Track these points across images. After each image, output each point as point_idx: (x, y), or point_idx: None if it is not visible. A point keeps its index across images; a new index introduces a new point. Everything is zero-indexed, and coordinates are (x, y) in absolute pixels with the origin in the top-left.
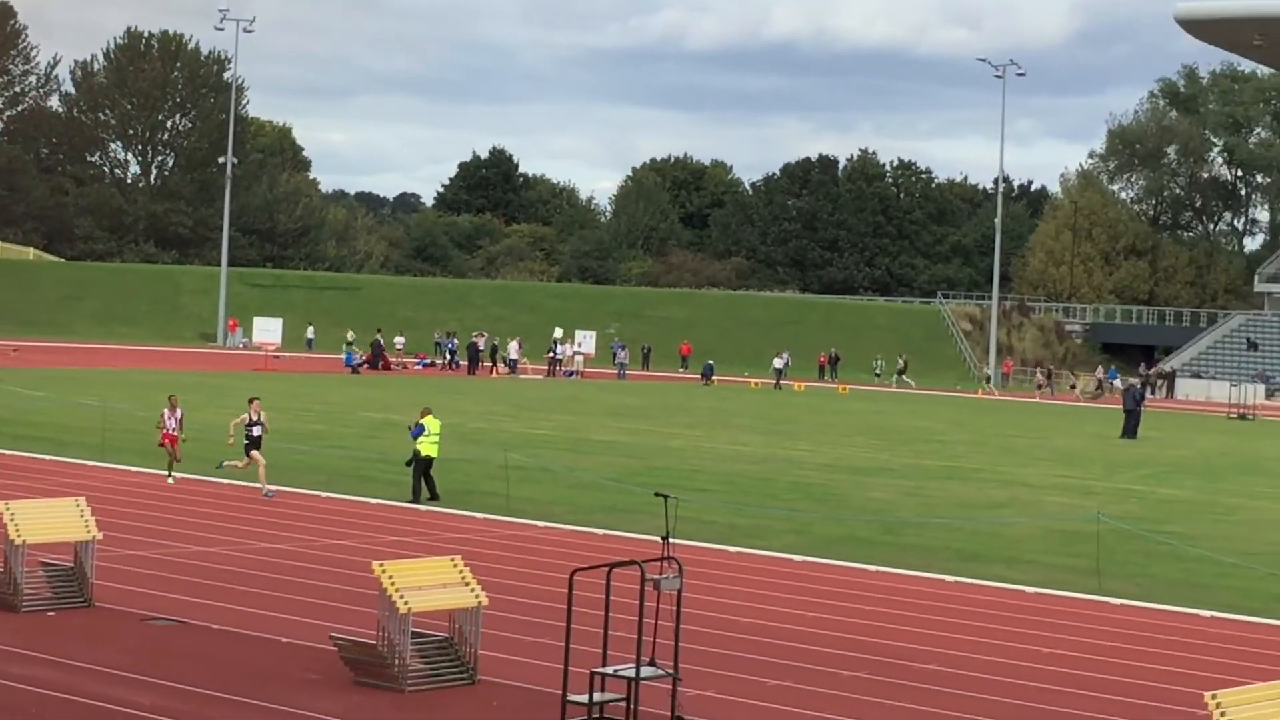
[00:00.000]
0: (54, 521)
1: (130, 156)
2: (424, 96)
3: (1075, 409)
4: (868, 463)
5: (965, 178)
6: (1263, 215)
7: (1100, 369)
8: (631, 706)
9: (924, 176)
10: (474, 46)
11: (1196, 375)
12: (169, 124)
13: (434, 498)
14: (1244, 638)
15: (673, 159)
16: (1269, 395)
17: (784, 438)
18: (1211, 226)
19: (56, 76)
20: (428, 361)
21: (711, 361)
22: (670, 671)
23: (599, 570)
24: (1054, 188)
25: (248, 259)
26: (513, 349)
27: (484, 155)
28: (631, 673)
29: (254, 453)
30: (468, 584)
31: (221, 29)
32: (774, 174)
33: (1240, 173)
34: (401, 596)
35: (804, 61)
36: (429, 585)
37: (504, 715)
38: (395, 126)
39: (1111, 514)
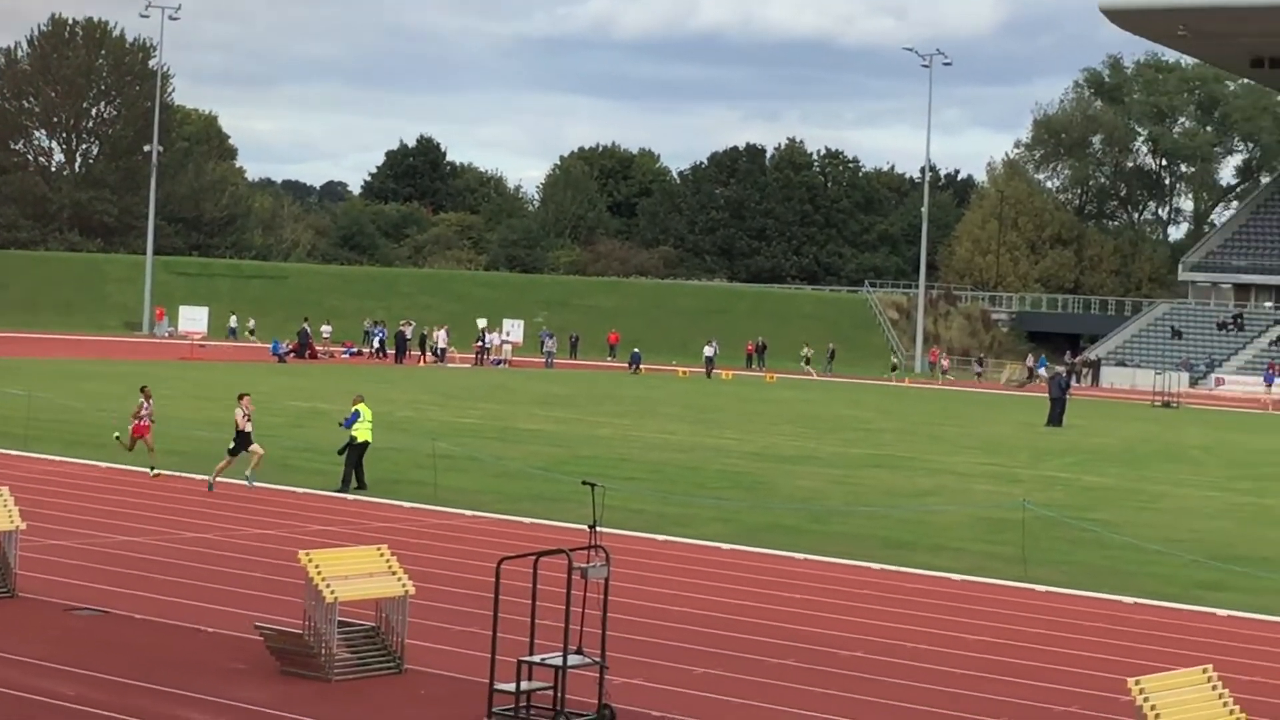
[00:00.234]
0: None
1: (54, 144)
2: (351, 85)
3: (1002, 397)
4: (795, 451)
5: (892, 167)
6: (1187, 204)
7: (1030, 357)
8: (559, 695)
9: (851, 166)
10: (402, 34)
11: (1121, 363)
12: (94, 112)
13: (361, 486)
14: (1167, 624)
15: (600, 148)
16: (1193, 383)
17: (711, 426)
18: (1136, 216)
19: None
20: (355, 350)
21: (637, 350)
22: (597, 660)
23: (526, 559)
24: (980, 177)
25: (173, 247)
26: (440, 338)
27: (411, 144)
28: (559, 661)
29: (253, 446)
30: (394, 573)
31: (147, 16)
32: (701, 163)
33: (1164, 162)
34: (328, 586)
35: (731, 51)
36: (355, 575)
37: (431, 704)
38: (322, 114)
39: (1037, 501)
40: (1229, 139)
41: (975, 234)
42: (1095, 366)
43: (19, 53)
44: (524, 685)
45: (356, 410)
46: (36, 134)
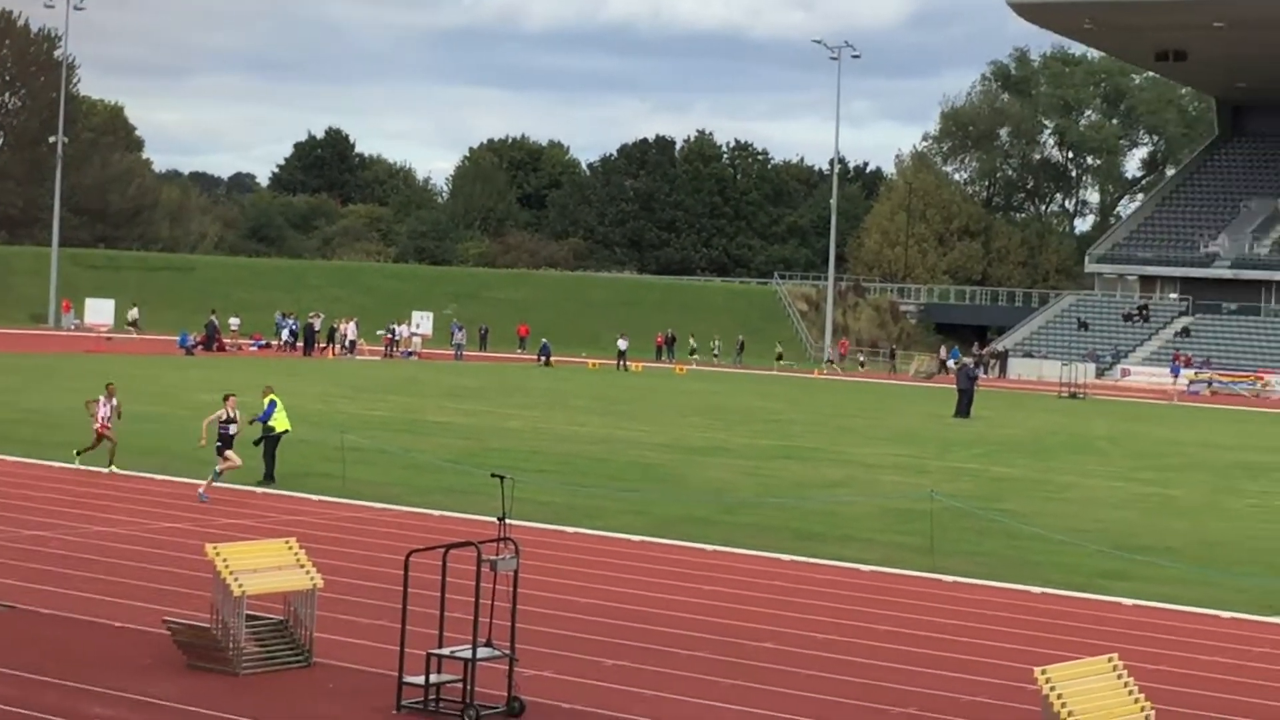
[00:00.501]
0: None
1: None
2: (259, 76)
3: (911, 389)
4: (705, 442)
5: (801, 159)
6: (1093, 197)
7: (943, 349)
8: (468, 688)
9: (760, 157)
10: (309, 26)
11: (1029, 355)
12: None
13: (269, 479)
14: (1073, 613)
15: (510, 139)
16: (1099, 374)
17: (622, 418)
18: (1043, 208)
19: None
20: (263, 343)
21: (546, 341)
22: (507, 652)
23: (435, 552)
24: (889, 169)
25: (80, 239)
26: (349, 330)
27: (320, 135)
28: (468, 654)
29: (227, 452)
30: (303, 566)
31: (52, 6)
32: (611, 155)
33: (1071, 154)
34: (236, 579)
35: (641, 42)
36: (264, 568)
37: (339, 698)
38: (229, 106)
39: (945, 492)
40: (1134, 132)
41: (884, 226)
42: (1003, 358)
43: None
44: (433, 678)
45: (272, 401)
46: None
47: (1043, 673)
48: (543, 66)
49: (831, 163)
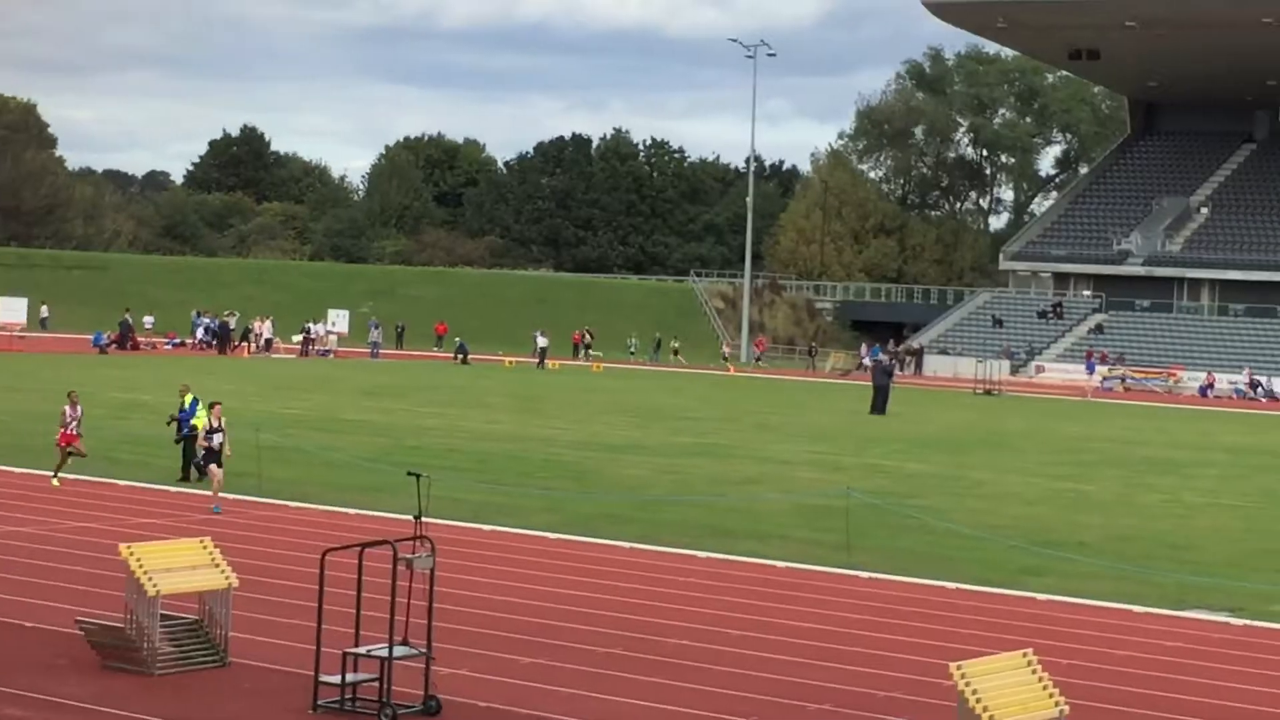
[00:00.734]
0: None
1: None
2: (174, 73)
3: (827, 386)
4: (622, 440)
5: (717, 157)
6: (1007, 194)
7: (864, 346)
8: (384, 686)
9: (677, 156)
10: (224, 22)
11: (944, 352)
12: None
13: (185, 479)
14: (988, 609)
15: (426, 137)
16: (1014, 371)
17: (538, 416)
18: (958, 205)
19: None
20: (178, 341)
21: (460, 339)
22: (423, 651)
23: (351, 550)
24: (805, 167)
25: None
26: (265, 329)
27: (235, 133)
28: (384, 653)
29: (211, 466)
30: (218, 565)
31: None
32: (528, 153)
33: (985, 153)
34: (150, 579)
35: (557, 41)
36: (178, 567)
37: (255, 697)
38: (144, 103)
39: (861, 489)
40: (1048, 130)
41: (800, 224)
42: (918, 355)
43: None
44: (349, 677)
45: (195, 399)
46: None
47: (958, 668)
48: (459, 64)
49: (748, 161)
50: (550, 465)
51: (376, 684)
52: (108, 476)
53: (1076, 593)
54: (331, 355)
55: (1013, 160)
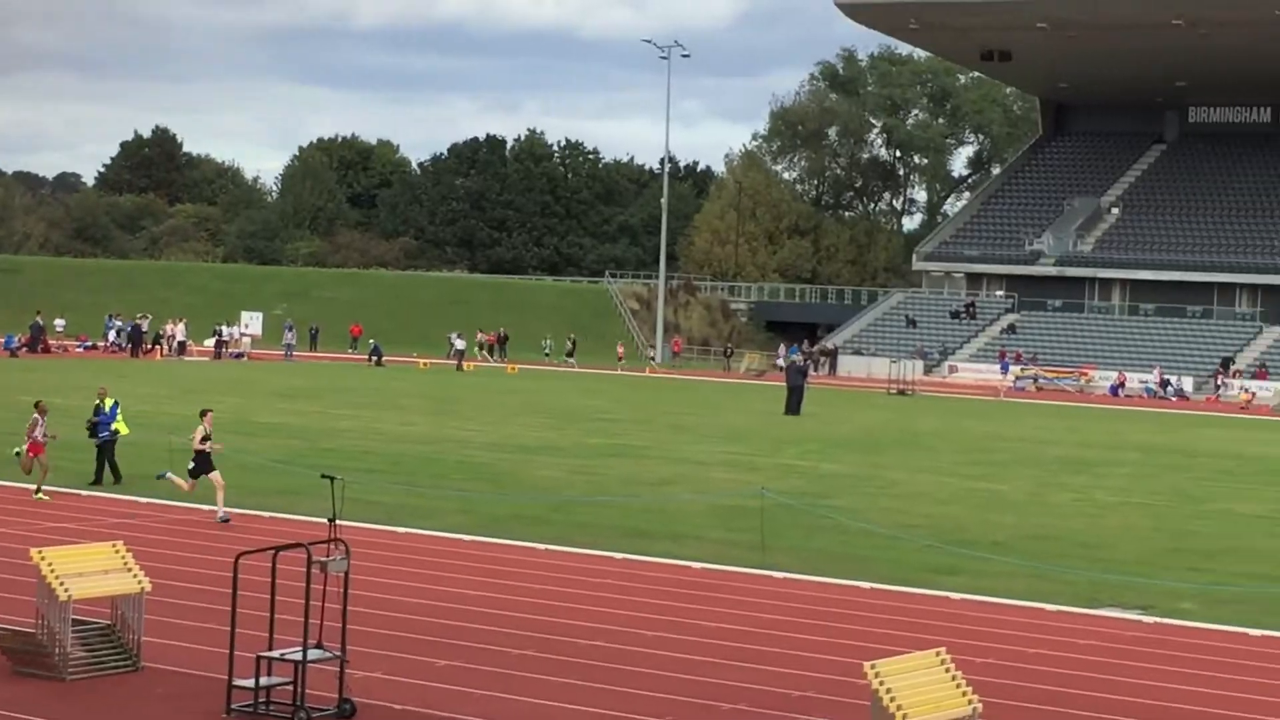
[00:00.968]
0: None
1: None
2: (85, 74)
3: (742, 386)
4: (536, 441)
5: (632, 158)
6: (920, 195)
7: (782, 347)
8: (298, 690)
9: (591, 157)
10: (135, 23)
11: (858, 352)
12: None
13: (97, 482)
14: (902, 608)
15: (340, 138)
16: (927, 371)
17: (452, 418)
18: (872, 206)
19: None
20: (89, 344)
21: (374, 341)
22: (338, 654)
23: (265, 553)
24: (719, 168)
25: None
26: (178, 331)
27: (147, 134)
28: (298, 656)
29: (215, 475)
30: (130, 570)
31: None
32: (442, 154)
33: (899, 153)
34: (61, 584)
35: (471, 41)
36: (90, 572)
37: (168, 702)
38: (54, 104)
39: (776, 489)
40: (961, 131)
41: (714, 225)
42: (832, 355)
43: None
44: (263, 681)
45: (116, 402)
46: None
47: (872, 667)
48: (373, 65)
49: (662, 161)
50: (465, 467)
51: (290, 687)
52: (17, 481)
53: (990, 591)
54: (245, 358)
55: (925, 161)
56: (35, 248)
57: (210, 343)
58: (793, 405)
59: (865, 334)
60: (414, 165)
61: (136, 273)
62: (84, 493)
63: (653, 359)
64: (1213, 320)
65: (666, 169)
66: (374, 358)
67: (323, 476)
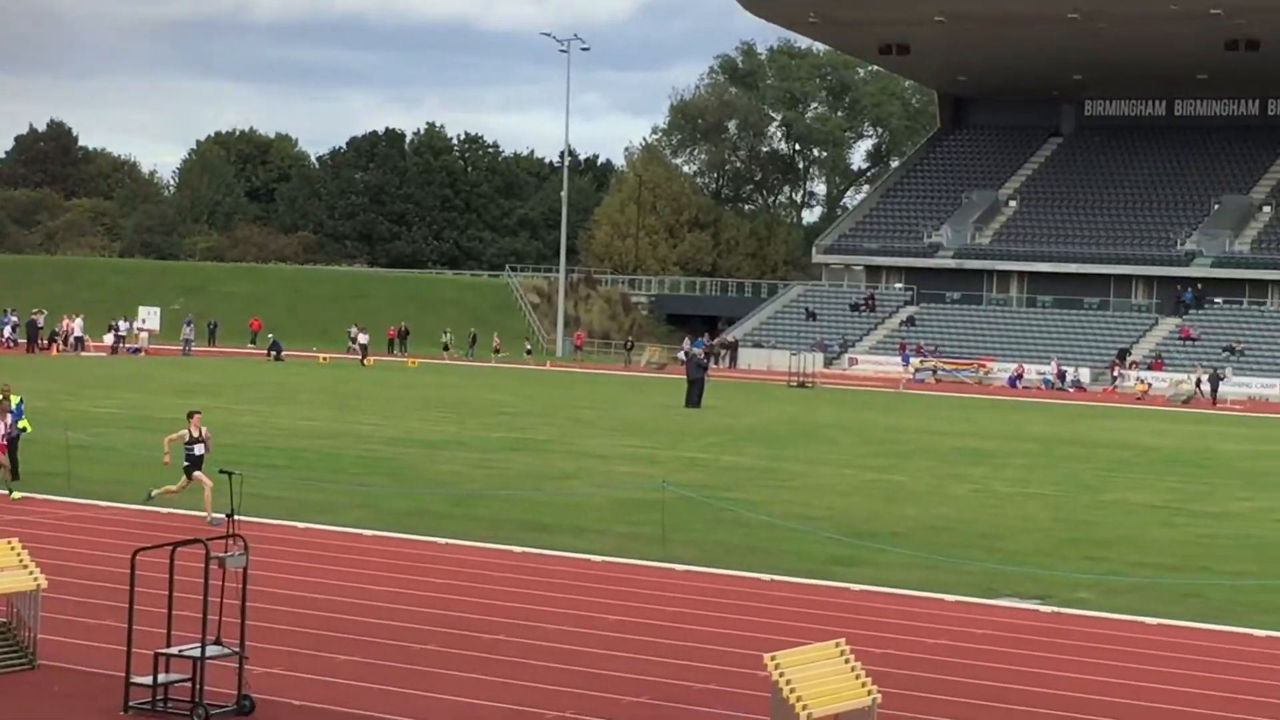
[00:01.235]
0: None
1: None
2: None
3: (643, 380)
4: (437, 436)
5: (532, 151)
6: (820, 188)
7: (687, 340)
8: (197, 686)
9: (491, 150)
10: (29, 15)
11: (758, 345)
12: None
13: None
14: (803, 599)
15: (238, 132)
16: (827, 364)
17: (353, 412)
18: (771, 199)
19: None
20: None
21: (272, 335)
22: (236, 650)
23: (163, 549)
24: (619, 161)
25: None
26: (75, 326)
27: (41, 128)
28: (197, 652)
29: (197, 474)
30: (25, 567)
31: None
32: (341, 148)
33: (798, 147)
34: None
35: (371, 35)
36: None
37: (65, 700)
38: None
39: (677, 482)
40: (859, 124)
41: (614, 218)
42: (733, 348)
43: None
44: (161, 678)
45: (20, 400)
46: None
47: (772, 658)
48: (271, 59)
49: (562, 155)
50: (365, 462)
51: (189, 684)
52: None
53: (889, 583)
54: (143, 353)
55: (825, 154)
56: None
57: (108, 338)
58: (693, 398)
59: (765, 327)
60: (313, 159)
61: (32, 268)
62: None
63: (529, 351)
64: (1109, 312)
65: (567, 162)
66: (273, 353)
67: (221, 471)
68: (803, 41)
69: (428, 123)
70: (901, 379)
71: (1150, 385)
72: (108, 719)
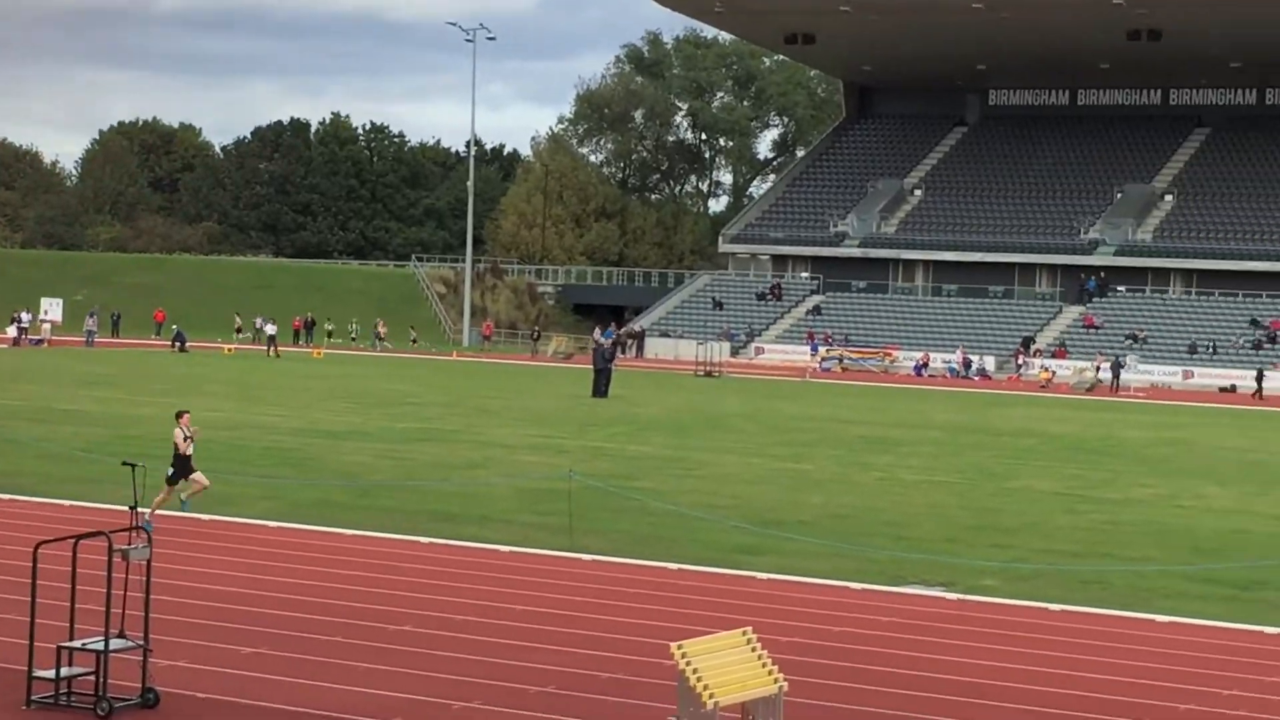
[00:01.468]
0: None
1: None
2: None
3: (549, 370)
4: (342, 426)
5: (438, 141)
6: (726, 178)
7: (597, 330)
8: (100, 680)
9: (397, 140)
10: None
11: (665, 334)
12: None
13: None
14: (710, 588)
15: (141, 122)
16: (734, 353)
17: (257, 403)
18: (678, 189)
19: None
20: None
21: (177, 327)
22: (140, 643)
23: (65, 542)
24: (526, 151)
25: None
26: None
27: None
28: (100, 645)
29: (195, 475)
30: None
31: None
32: (245, 137)
33: (704, 136)
34: None
35: (275, 24)
36: None
37: None
38: None
39: (583, 472)
40: (765, 113)
41: (521, 208)
42: (639, 337)
43: None
44: (64, 671)
45: None
46: None
47: (678, 647)
48: (174, 48)
49: (468, 145)
50: (270, 453)
51: (93, 678)
52: None
53: (796, 571)
54: (46, 344)
55: (731, 144)
56: None
57: (10, 330)
58: (599, 388)
59: (672, 316)
60: (217, 149)
61: None
62: None
63: (414, 340)
64: (1014, 300)
65: (473, 152)
66: (177, 344)
67: (124, 464)
68: (709, 31)
69: (333, 112)
70: (808, 368)
71: (1054, 373)
72: (10, 714)
